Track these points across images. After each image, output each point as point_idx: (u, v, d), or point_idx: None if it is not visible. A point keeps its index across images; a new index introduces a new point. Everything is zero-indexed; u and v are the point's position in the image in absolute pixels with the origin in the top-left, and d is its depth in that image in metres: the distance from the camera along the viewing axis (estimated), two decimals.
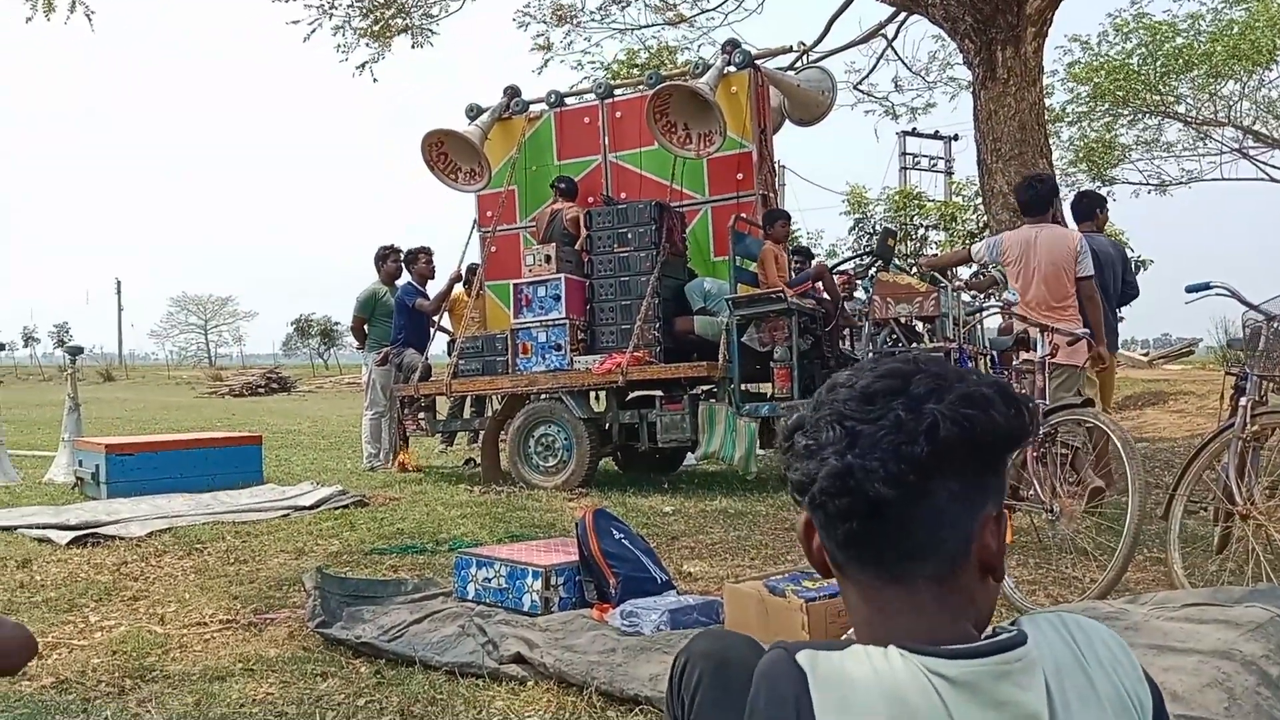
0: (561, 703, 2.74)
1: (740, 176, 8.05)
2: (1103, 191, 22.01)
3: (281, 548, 5.01)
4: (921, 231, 20.78)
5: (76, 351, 9.52)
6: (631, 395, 7.97)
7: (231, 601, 3.92)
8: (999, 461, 1.02)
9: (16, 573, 4.51)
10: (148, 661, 3.20)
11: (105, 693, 2.93)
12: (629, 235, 7.63)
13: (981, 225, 18.84)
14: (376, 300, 9.26)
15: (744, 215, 7.64)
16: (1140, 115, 21.66)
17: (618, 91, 8.79)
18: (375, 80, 11.06)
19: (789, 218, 7.97)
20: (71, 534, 5.26)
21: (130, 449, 7.19)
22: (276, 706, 2.77)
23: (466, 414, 8.99)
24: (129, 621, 3.68)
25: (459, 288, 9.51)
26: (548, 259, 7.68)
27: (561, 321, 7.56)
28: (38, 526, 5.53)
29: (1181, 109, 21.58)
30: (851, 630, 1.18)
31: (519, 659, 3.01)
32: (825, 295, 7.55)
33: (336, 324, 63.34)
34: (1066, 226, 6.75)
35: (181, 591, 4.12)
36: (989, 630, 1.00)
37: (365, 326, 9.38)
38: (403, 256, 9.34)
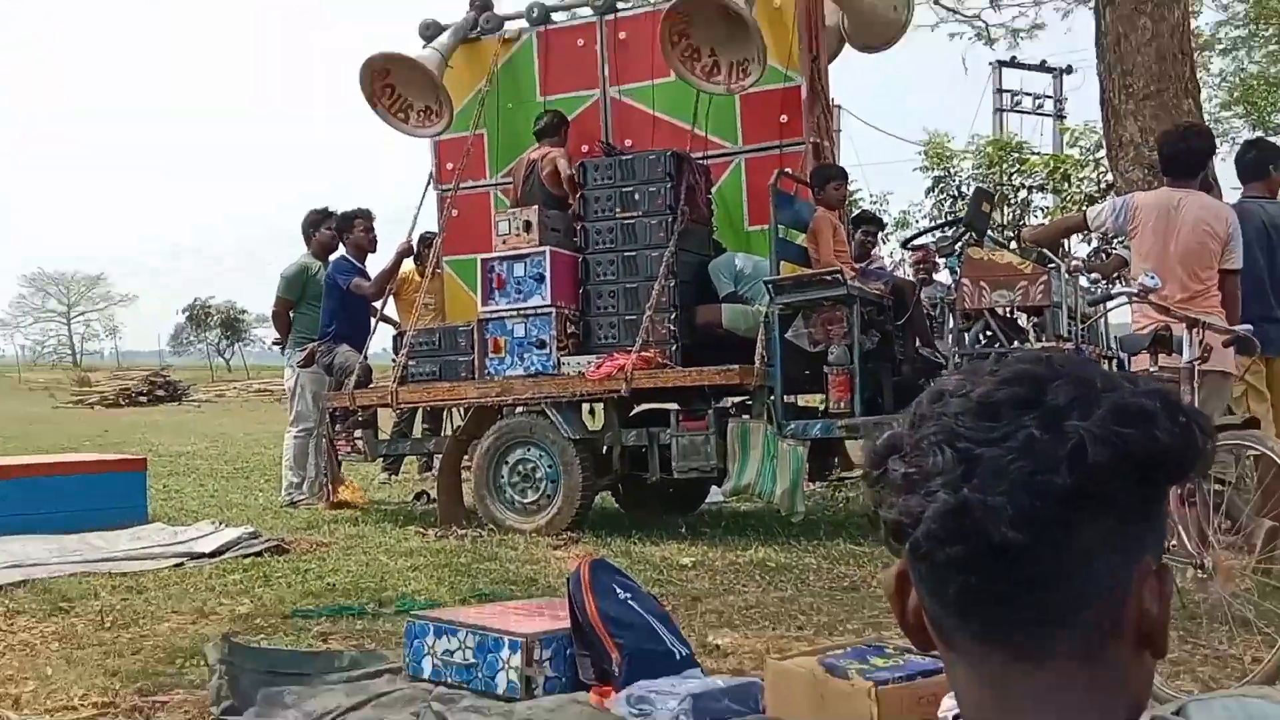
0: None
1: (784, 119, 8.06)
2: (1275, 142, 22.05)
3: (174, 608, 5.01)
4: (1023, 194, 20.79)
5: None
6: (638, 409, 7.95)
7: (109, 679, 3.92)
8: (1161, 496, 1.01)
9: None
10: None
11: None
12: (636, 195, 7.64)
13: (1103, 186, 18.84)
14: (308, 278, 9.30)
15: (789, 170, 7.64)
16: None
17: (622, 5, 8.81)
18: None
19: (846, 176, 7.98)
20: None
21: None
22: None
23: (417, 432, 9.00)
24: None
25: (409, 264, 9.53)
26: (527, 226, 7.69)
27: (546, 310, 7.57)
28: None
29: None
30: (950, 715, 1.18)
31: None
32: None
33: (243, 312, 63.60)
34: (1220, 197, 6.74)
35: (42, 665, 4.13)
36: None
37: (291, 314, 9.40)
38: (335, 222, 9.37)
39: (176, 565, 6.06)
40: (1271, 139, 21.85)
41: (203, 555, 6.27)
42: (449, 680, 3.72)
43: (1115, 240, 6.61)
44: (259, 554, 6.36)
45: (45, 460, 8.36)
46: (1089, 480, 0.95)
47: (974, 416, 0.99)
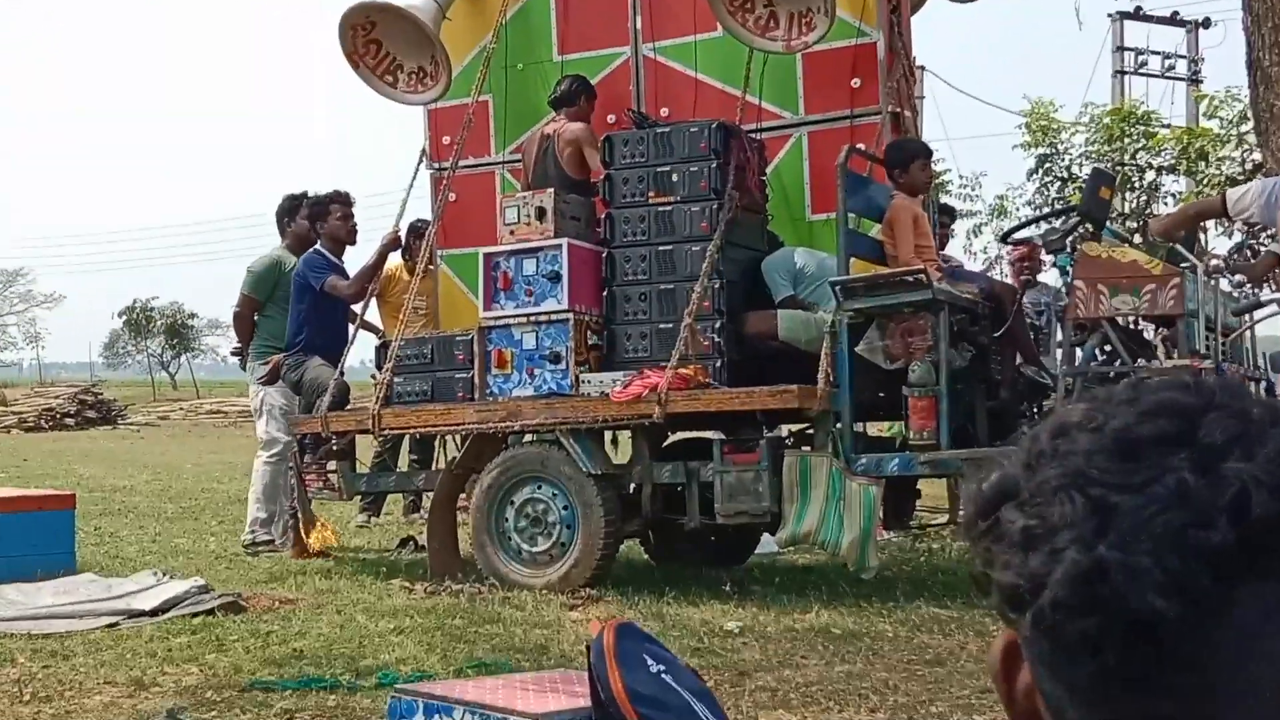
0: None
1: (857, 84, 8.05)
2: None
3: (108, 677, 5.01)
4: (1150, 176, 20.70)
5: None
6: (674, 438, 7.95)
7: None
8: None
9: None
10: None
11: None
12: (674, 177, 7.65)
13: (1250, 168, 18.73)
14: (280, 275, 9.34)
15: (862, 147, 7.63)
16: None
17: None
18: None
19: (931, 154, 7.95)
20: None
21: None
22: None
23: (404, 465, 9.00)
24: None
25: (395, 258, 9.55)
26: (540, 213, 7.71)
27: (562, 316, 7.58)
28: None
29: None
30: None
31: None
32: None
33: (193, 316, 63.99)
34: None
35: None
36: None
37: (256, 317, 9.43)
38: (308, 209, 9.38)
39: (110, 625, 6.07)
40: None
41: (142, 613, 6.28)
42: None
43: (1264, 233, 6.55)
44: (210, 612, 6.36)
45: None
46: (1254, 537, 0.93)
47: (1109, 456, 0.97)
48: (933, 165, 7.95)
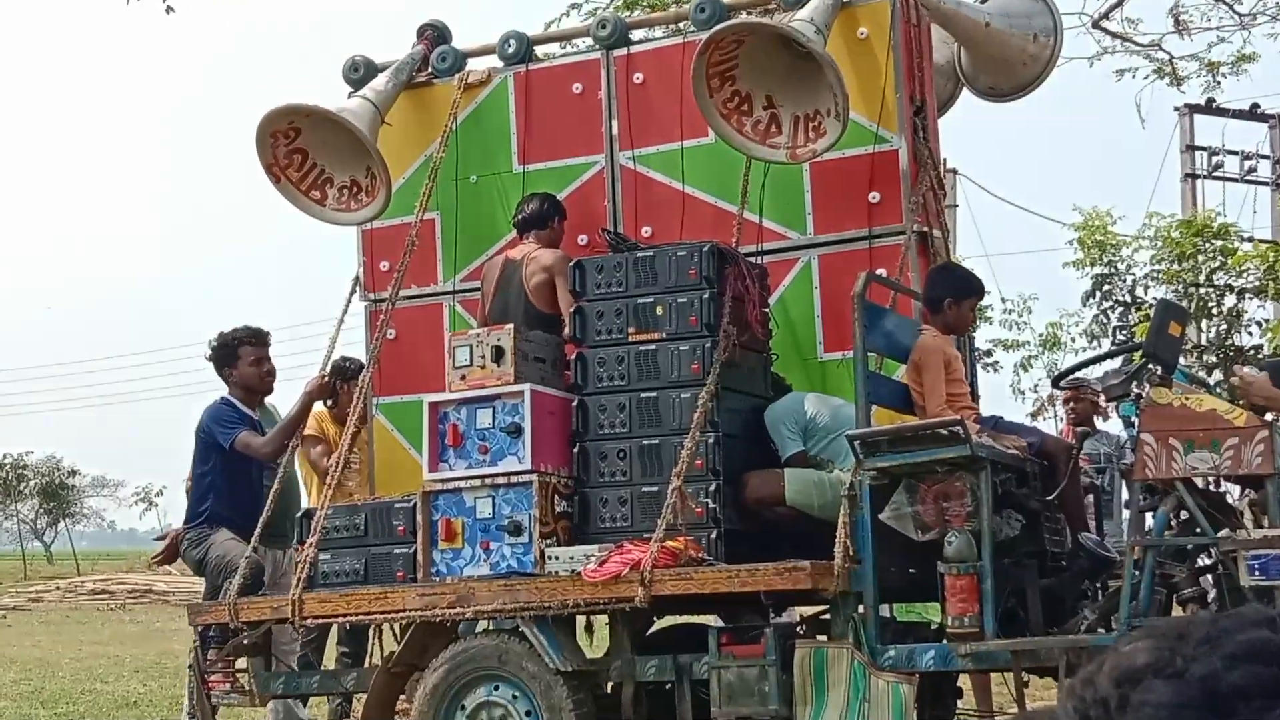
0: None
1: (876, 198, 8.16)
2: None
3: None
4: (1230, 301, 20.84)
5: None
6: (661, 625, 7.90)
7: None
8: None
9: None
10: None
11: None
12: (658, 310, 7.70)
13: None
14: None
15: (884, 273, 7.68)
16: None
17: (637, 36, 8.96)
18: (170, 10, 11.31)
19: (980, 291, 7.99)
20: None
21: None
22: None
23: (330, 660, 8.90)
24: None
25: (320, 407, 9.53)
26: (498, 354, 7.73)
27: (525, 478, 7.57)
28: None
29: None
30: None
31: None
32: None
33: (73, 474, 63.72)
34: None
35: None
36: None
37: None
38: (211, 351, 9.33)
39: None
40: None
41: None
42: None
43: None
44: None
45: None
46: None
47: (1199, 712, 0.96)
48: (980, 301, 7.97)
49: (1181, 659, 1.00)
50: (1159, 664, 1.00)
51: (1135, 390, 6.90)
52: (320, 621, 8.27)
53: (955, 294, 7.63)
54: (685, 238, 8.12)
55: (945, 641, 6.94)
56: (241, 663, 8.44)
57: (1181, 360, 7.78)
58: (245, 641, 8.33)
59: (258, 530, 8.46)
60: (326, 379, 9.19)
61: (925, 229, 8.18)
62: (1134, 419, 6.68)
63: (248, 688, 8.52)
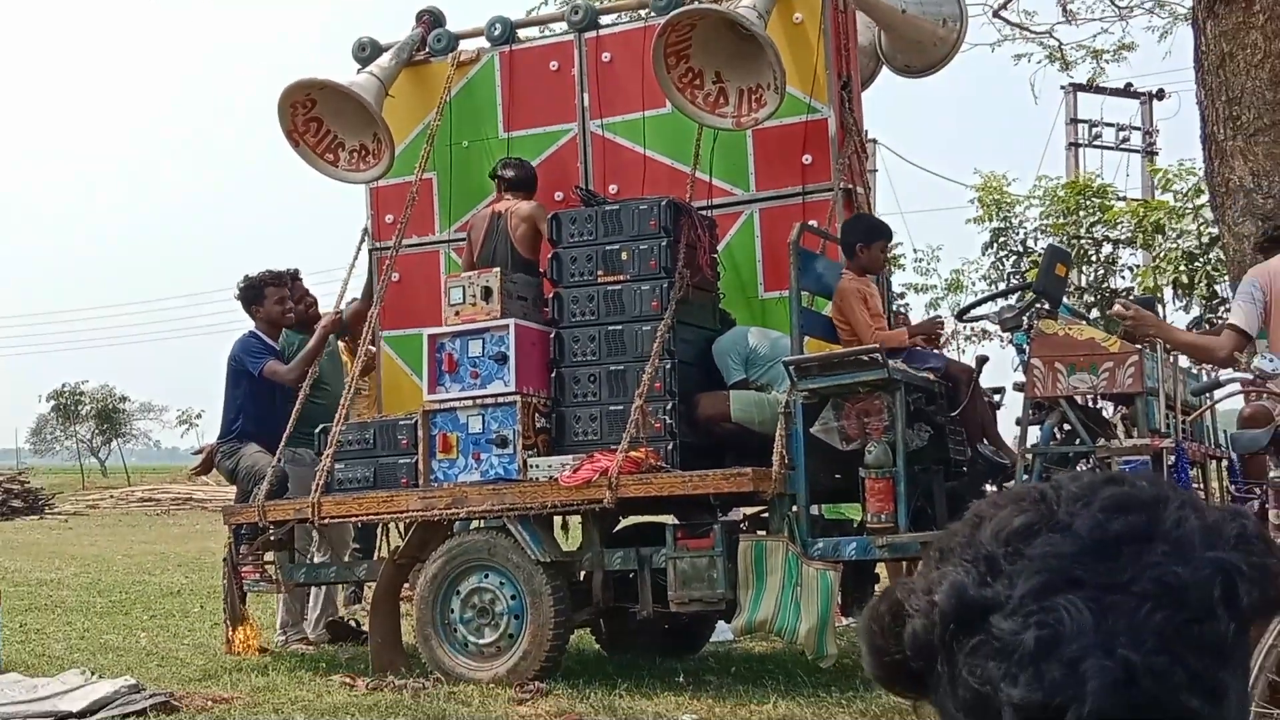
0: None
1: (808, 160, 8.15)
2: None
3: None
4: (1107, 249, 20.92)
5: None
6: (626, 523, 7.92)
7: None
8: None
9: None
10: None
11: None
12: (623, 255, 7.68)
13: (1206, 241, 18.96)
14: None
15: (814, 224, 7.69)
16: None
17: (606, 21, 8.92)
18: None
19: (890, 234, 8.01)
20: None
21: None
22: None
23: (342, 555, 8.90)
24: None
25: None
26: (486, 293, 7.71)
27: (509, 398, 7.57)
28: None
29: None
30: None
31: None
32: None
33: (124, 399, 63.47)
34: None
35: None
36: None
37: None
38: (240, 291, 9.28)
39: None
40: None
41: (70, 715, 6.20)
42: None
43: (1223, 308, 6.62)
44: (141, 713, 6.29)
45: None
46: (1243, 625, 0.95)
47: (1090, 559, 0.97)
48: (889, 244, 7.99)
49: (1064, 515, 1.00)
50: (1042, 521, 1.01)
51: (1026, 322, 6.92)
52: (336, 521, 8.27)
53: (865, 238, 7.65)
54: (646, 194, 8.10)
55: (865, 535, 6.98)
56: (269, 556, 8.44)
57: (1065, 298, 7.80)
58: (272, 538, 8.35)
59: (284, 438, 8.46)
60: (339, 315, 9.14)
61: (850, 187, 8.17)
62: (1025, 346, 6.70)
63: (274, 577, 8.52)
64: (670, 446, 7.43)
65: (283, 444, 8.46)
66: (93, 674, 7.13)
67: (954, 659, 0.99)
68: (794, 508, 6.99)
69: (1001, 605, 0.97)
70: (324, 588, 9.05)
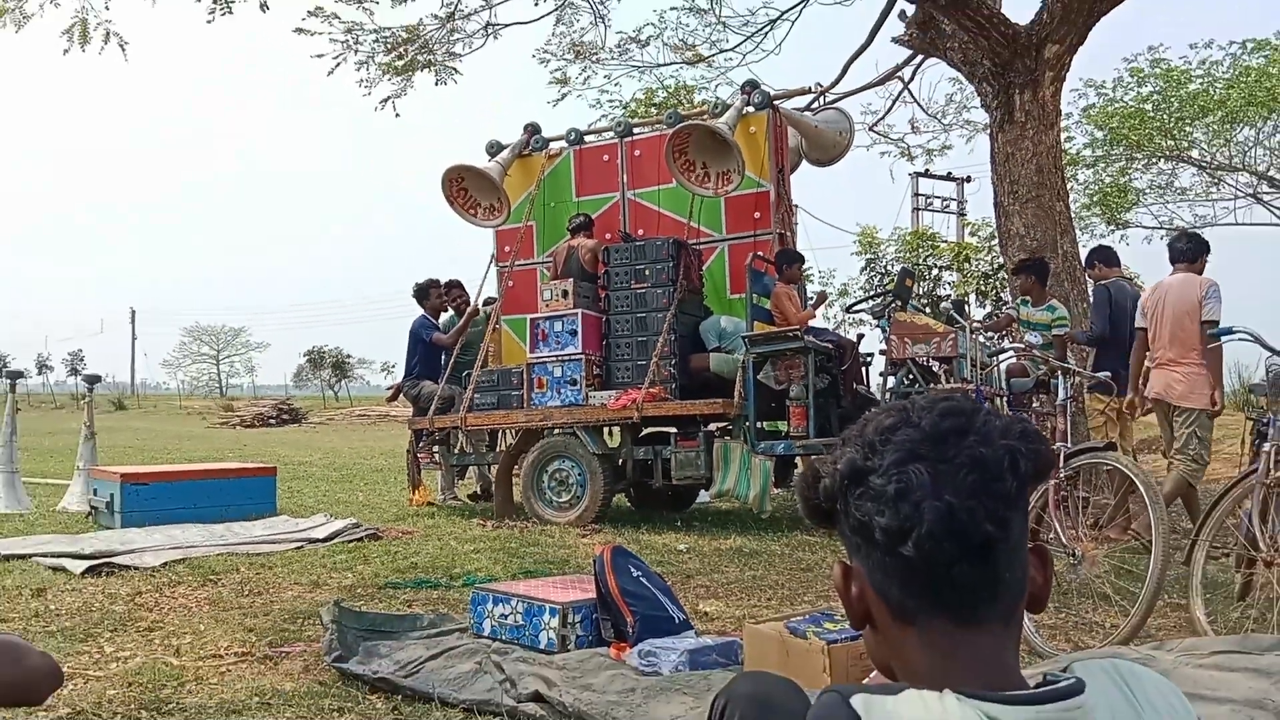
0: None
1: (758, 215, 8.11)
2: (1115, 236, 22.10)
3: (296, 580, 5.00)
4: (935, 272, 20.80)
5: (94, 380, 9.57)
6: (646, 431, 7.96)
7: (246, 634, 3.91)
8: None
9: (31, 601, 4.51)
10: (164, 694, 3.18)
11: None
12: (646, 272, 7.67)
13: (996, 266, 18.84)
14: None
15: (761, 254, 7.68)
16: (1155, 160, 21.72)
17: (637, 130, 8.89)
18: (398, 115, 11.17)
19: (803, 260, 8.00)
20: (86, 563, 5.26)
21: (145, 478, 7.21)
22: None
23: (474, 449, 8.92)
24: (144, 653, 3.67)
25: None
26: (565, 294, 7.72)
27: (577, 356, 7.58)
28: (52, 555, 5.54)
29: (1195, 154, 21.64)
30: (872, 677, 1.17)
31: (537, 697, 2.99)
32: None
33: (348, 356, 63.57)
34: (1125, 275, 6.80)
35: (196, 623, 4.11)
36: (1039, 678, 1.00)
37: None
38: (413, 291, 9.31)
39: (297, 548, 6.06)
40: (1116, 233, 22.00)
41: (317, 540, 6.27)
42: (503, 637, 3.70)
43: (1005, 305, 6.59)
44: (360, 540, 6.36)
45: (202, 467, 8.38)
46: (1022, 485, 0.98)
47: (931, 443, 0.99)
48: (802, 266, 7.96)
49: (915, 417, 1.02)
50: (901, 422, 1.02)
51: (887, 313, 6.91)
52: (474, 428, 8.30)
53: (789, 261, 7.63)
54: (660, 235, 8.08)
55: (789, 440, 7.00)
56: (435, 448, 8.48)
57: (910, 299, 7.77)
58: (438, 437, 8.39)
59: (444, 376, 8.51)
60: (476, 308, 9.16)
61: (782, 232, 8.12)
62: (886, 328, 6.69)
63: (438, 460, 8.58)
64: (673, 386, 7.43)
65: (442, 381, 8.53)
66: (331, 516, 7.21)
67: (848, 502, 1.03)
68: (747, 423, 6.99)
69: (875, 470, 1.01)
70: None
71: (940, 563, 0.97)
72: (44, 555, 5.56)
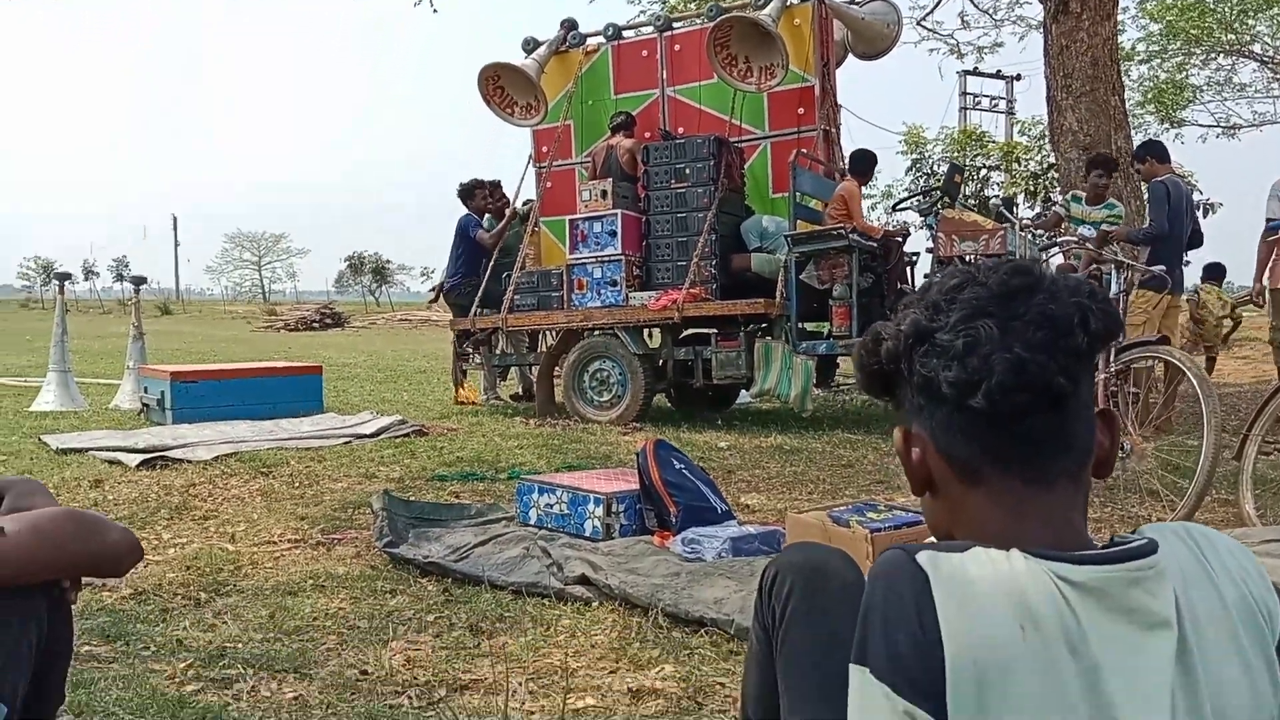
0: (626, 623, 2.77)
1: (801, 111, 7.91)
2: (1170, 134, 21.42)
3: (345, 473, 5.09)
4: (983, 172, 20.35)
5: (140, 281, 9.69)
6: (686, 332, 7.95)
7: (299, 522, 4.00)
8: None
9: (90, 492, 4.64)
10: (221, 577, 3.28)
11: (182, 604, 3.01)
12: (686, 171, 7.54)
13: (1046, 165, 18.39)
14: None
15: (805, 151, 7.51)
16: (1213, 55, 20.89)
17: (676, 24, 8.66)
18: (435, 10, 10.98)
19: (876, 162, 7.80)
20: (140, 456, 5.40)
21: (194, 376, 7.33)
22: (348, 620, 2.84)
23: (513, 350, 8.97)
24: (200, 539, 3.78)
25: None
26: (604, 194, 7.63)
27: (617, 257, 7.53)
28: (108, 449, 5.68)
29: (1258, 48, 20.77)
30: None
31: (583, 580, 3.04)
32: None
33: (388, 261, 63.89)
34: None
35: (250, 513, 4.21)
36: (1106, 540, 0.98)
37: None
38: (458, 191, 9.25)
39: (345, 443, 6.15)
40: (1171, 132, 21.32)
41: (364, 436, 6.36)
42: (549, 526, 3.76)
43: (1056, 194, 6.44)
44: (406, 435, 6.45)
45: (249, 366, 8.50)
46: (1092, 342, 0.95)
47: (999, 300, 0.97)
48: (874, 168, 7.79)
49: (981, 276, 0.99)
50: (967, 282, 0.99)
51: (935, 210, 6.76)
52: (515, 329, 8.31)
53: (862, 164, 7.49)
54: (701, 133, 7.91)
55: (831, 340, 6.95)
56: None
57: (958, 196, 7.60)
58: (479, 337, 8.42)
59: (484, 280, 8.48)
60: (515, 209, 9.06)
61: (827, 129, 7.94)
62: (934, 225, 6.55)
63: (480, 361, 8.63)
64: (714, 287, 7.36)
65: (484, 283, 8.52)
66: (377, 413, 7.31)
67: (912, 361, 1.00)
68: (788, 323, 6.94)
69: (942, 328, 0.98)
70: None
71: (1010, 415, 0.94)
72: (100, 449, 5.71)
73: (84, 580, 1.60)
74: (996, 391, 0.93)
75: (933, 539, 1.05)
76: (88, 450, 5.72)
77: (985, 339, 0.94)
